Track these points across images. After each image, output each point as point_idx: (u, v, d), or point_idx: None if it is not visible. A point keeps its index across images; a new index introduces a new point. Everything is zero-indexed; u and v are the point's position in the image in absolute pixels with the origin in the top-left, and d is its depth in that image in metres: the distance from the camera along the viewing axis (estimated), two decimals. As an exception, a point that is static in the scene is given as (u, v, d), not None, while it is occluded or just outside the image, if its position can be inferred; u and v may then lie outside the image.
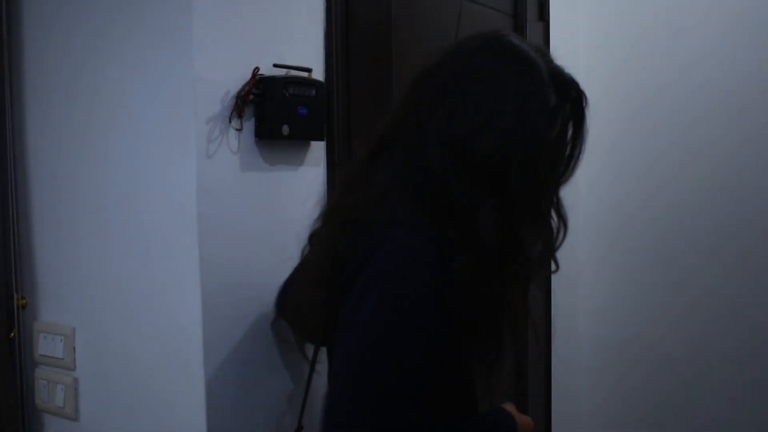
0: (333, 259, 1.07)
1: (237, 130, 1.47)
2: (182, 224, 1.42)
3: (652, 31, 2.59)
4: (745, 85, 2.41)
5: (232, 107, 1.45)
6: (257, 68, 1.47)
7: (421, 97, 1.10)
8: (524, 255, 1.06)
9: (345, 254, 1.04)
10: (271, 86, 1.48)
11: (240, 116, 1.46)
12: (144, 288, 1.51)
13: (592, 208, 2.73)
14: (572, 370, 2.73)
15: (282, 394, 1.57)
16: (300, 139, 1.57)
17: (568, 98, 1.10)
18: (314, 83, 1.58)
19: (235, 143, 1.47)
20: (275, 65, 1.51)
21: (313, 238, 1.24)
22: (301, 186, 1.61)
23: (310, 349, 1.42)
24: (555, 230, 1.11)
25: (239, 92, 1.45)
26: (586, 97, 1.13)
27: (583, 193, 2.75)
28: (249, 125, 1.50)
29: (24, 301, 1.72)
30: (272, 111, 1.49)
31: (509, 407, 1.18)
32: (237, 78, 1.45)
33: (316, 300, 1.11)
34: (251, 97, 1.46)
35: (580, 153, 1.11)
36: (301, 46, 1.60)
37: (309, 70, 1.58)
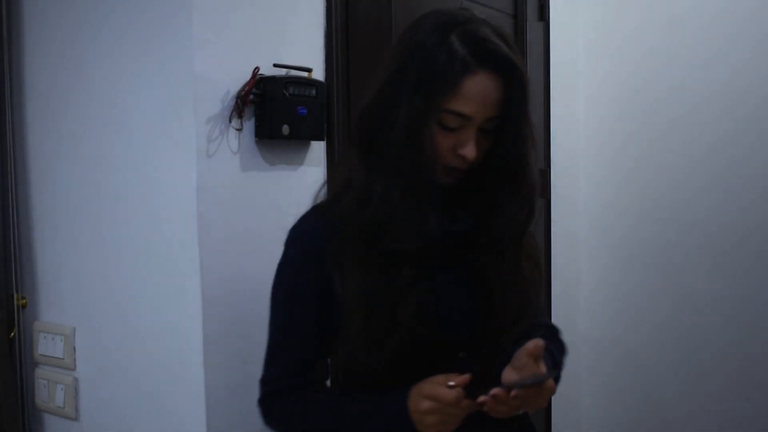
0: None
1: (237, 130, 1.47)
2: (182, 224, 1.42)
3: (651, 31, 2.59)
4: (746, 85, 2.41)
5: (232, 107, 1.45)
6: (257, 68, 1.47)
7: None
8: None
9: None
10: (271, 86, 1.48)
11: (240, 116, 1.46)
12: (144, 288, 1.51)
13: (592, 208, 2.73)
14: (572, 371, 2.73)
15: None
16: (300, 139, 1.57)
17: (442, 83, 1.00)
18: (314, 83, 1.58)
19: (235, 143, 1.47)
20: (275, 65, 1.51)
21: None
22: (301, 186, 1.61)
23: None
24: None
25: (239, 92, 1.45)
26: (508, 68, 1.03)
27: (582, 193, 2.75)
28: (249, 125, 1.50)
29: (24, 301, 1.72)
30: (272, 111, 1.49)
31: (420, 387, 1.01)
32: (237, 78, 1.45)
33: None
34: (251, 97, 1.46)
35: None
36: (301, 46, 1.60)
37: (309, 70, 1.58)
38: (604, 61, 2.70)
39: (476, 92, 1.01)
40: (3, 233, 1.68)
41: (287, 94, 1.50)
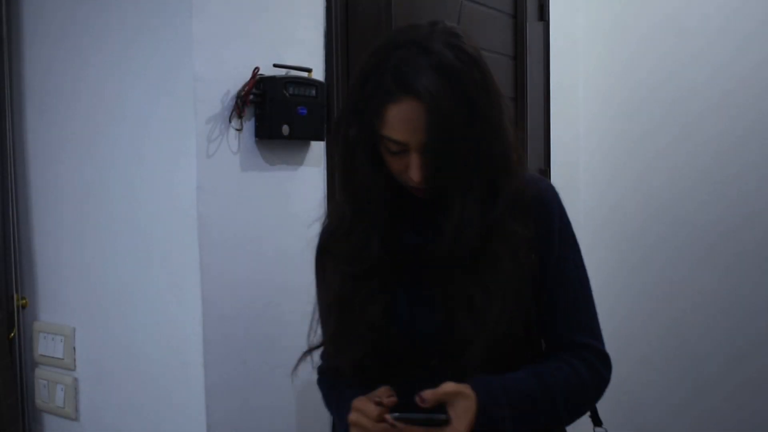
0: None
1: (237, 130, 1.47)
2: (182, 224, 1.42)
3: (651, 31, 2.59)
4: (745, 84, 2.41)
5: (232, 107, 1.45)
6: (257, 68, 1.47)
7: None
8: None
9: None
10: (271, 86, 1.48)
11: (240, 116, 1.46)
12: (144, 288, 1.51)
13: (592, 208, 2.73)
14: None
15: (281, 393, 1.57)
16: (300, 139, 1.57)
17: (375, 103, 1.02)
18: (314, 83, 1.58)
19: (235, 143, 1.47)
20: (275, 65, 1.51)
21: None
22: (301, 186, 1.61)
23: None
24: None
25: (239, 92, 1.45)
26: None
27: (582, 192, 2.75)
28: (249, 125, 1.50)
29: (24, 301, 1.72)
30: (272, 111, 1.49)
31: (358, 398, 1.05)
32: (237, 78, 1.45)
33: None
34: (251, 97, 1.46)
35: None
36: (301, 46, 1.60)
37: (309, 70, 1.58)
38: (604, 61, 2.70)
39: (400, 119, 1.00)
40: (3, 233, 1.68)
41: (287, 94, 1.50)
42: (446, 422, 0.98)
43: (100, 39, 1.55)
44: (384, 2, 1.79)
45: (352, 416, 1.04)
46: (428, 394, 0.99)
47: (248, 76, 1.46)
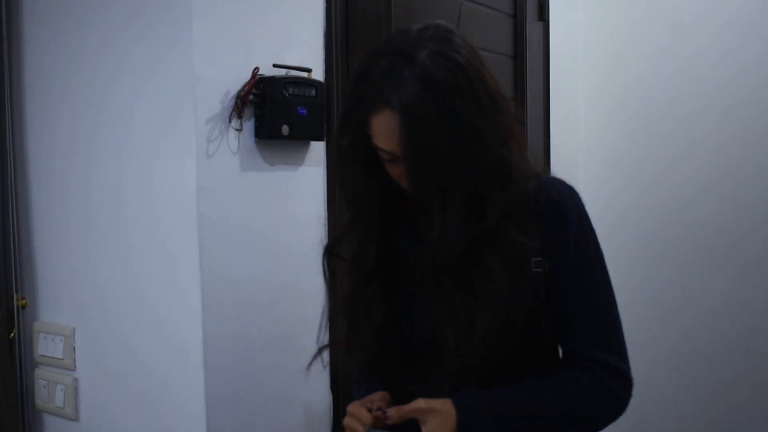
0: None
1: (237, 130, 1.47)
2: (182, 224, 1.42)
3: (651, 31, 2.59)
4: (744, 83, 2.41)
5: (232, 107, 1.45)
6: (257, 68, 1.47)
7: None
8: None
9: None
10: (271, 86, 1.48)
11: (240, 116, 1.46)
12: (144, 288, 1.51)
13: (592, 208, 2.71)
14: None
15: (281, 393, 1.57)
16: (300, 139, 1.57)
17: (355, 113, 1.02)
18: (314, 83, 1.58)
19: (235, 143, 1.47)
20: (275, 65, 1.51)
21: None
22: (301, 186, 1.61)
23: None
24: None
25: (239, 92, 1.45)
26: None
27: (582, 193, 2.74)
28: (249, 125, 1.50)
29: (24, 301, 1.72)
30: (272, 111, 1.49)
31: (355, 402, 1.09)
32: (237, 78, 1.45)
33: None
34: (251, 97, 1.46)
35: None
36: (301, 46, 1.60)
37: (309, 70, 1.58)
38: (604, 61, 2.70)
39: (382, 130, 1.00)
40: (3, 233, 1.68)
41: (287, 94, 1.50)
42: None
43: (100, 39, 1.55)
44: (384, 2, 1.79)
45: (346, 420, 1.05)
46: (393, 411, 1.00)
47: (248, 76, 1.46)
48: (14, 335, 1.68)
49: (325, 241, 1.20)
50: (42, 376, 1.71)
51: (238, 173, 1.48)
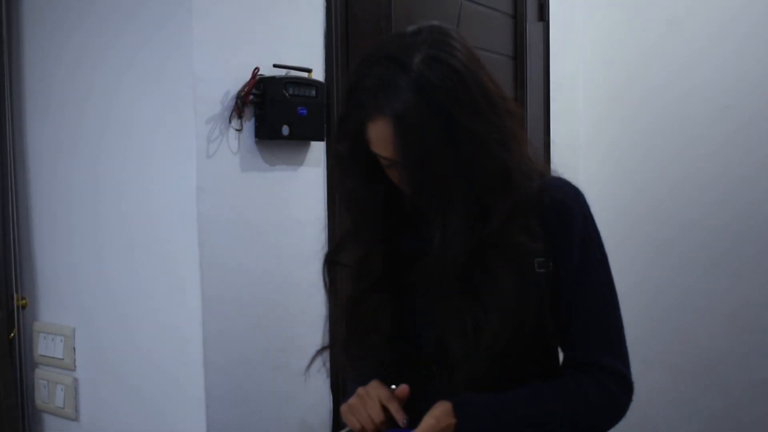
0: None
1: (237, 130, 1.47)
2: (182, 224, 1.42)
3: (651, 31, 2.59)
4: (744, 84, 2.41)
5: (232, 107, 1.45)
6: (257, 68, 1.47)
7: None
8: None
9: None
10: (271, 86, 1.48)
11: (240, 116, 1.46)
12: (144, 288, 1.51)
13: (592, 208, 2.72)
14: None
15: (282, 393, 1.57)
16: (300, 139, 1.57)
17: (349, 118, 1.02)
18: (314, 83, 1.58)
19: (235, 143, 1.47)
20: (275, 65, 1.51)
21: None
22: (301, 186, 1.61)
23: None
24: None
25: (239, 92, 1.45)
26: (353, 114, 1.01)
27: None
28: (249, 125, 1.50)
29: (24, 301, 1.72)
30: (272, 111, 1.49)
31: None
32: (237, 78, 1.45)
33: None
34: (251, 97, 1.46)
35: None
36: (301, 46, 1.60)
37: (309, 70, 1.58)
38: (604, 61, 2.70)
39: (377, 138, 0.99)
40: (3, 233, 1.68)
41: (287, 94, 1.50)
42: None
43: (101, 40, 1.55)
44: (384, 2, 1.79)
45: (353, 400, 1.06)
46: None
47: (248, 76, 1.46)
48: (14, 335, 1.68)
49: (325, 247, 1.18)
50: (42, 376, 1.71)
51: (238, 173, 1.48)
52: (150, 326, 1.51)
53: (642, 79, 2.62)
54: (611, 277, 1.11)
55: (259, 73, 1.47)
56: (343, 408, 1.08)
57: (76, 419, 1.66)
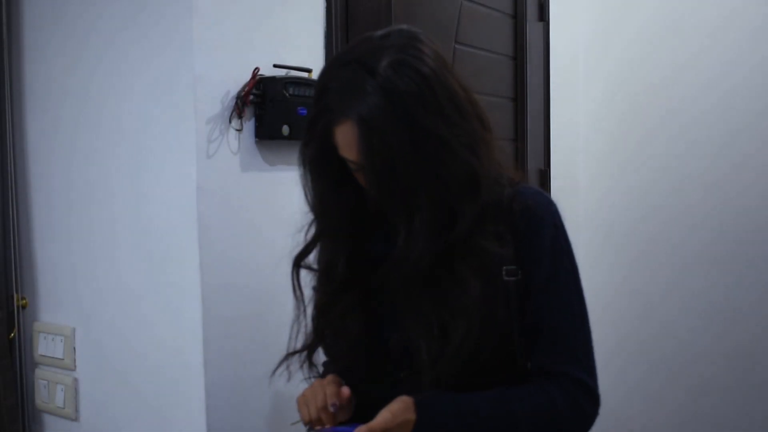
0: None
1: (237, 130, 1.47)
2: (182, 224, 1.42)
3: (651, 31, 2.59)
4: (744, 84, 2.41)
5: (232, 107, 1.45)
6: (257, 69, 1.47)
7: None
8: None
9: None
10: (271, 86, 1.48)
11: (240, 116, 1.46)
12: (144, 288, 1.51)
13: (591, 207, 2.73)
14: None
15: (282, 393, 1.57)
16: (300, 139, 1.56)
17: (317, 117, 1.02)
18: (314, 83, 1.58)
19: (235, 143, 1.47)
20: (275, 65, 1.51)
21: None
22: (301, 186, 1.61)
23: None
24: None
25: (239, 92, 1.45)
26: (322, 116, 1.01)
27: (581, 192, 2.75)
28: (249, 125, 1.50)
29: (24, 301, 1.72)
30: (272, 111, 1.49)
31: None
32: (237, 78, 1.45)
33: None
34: (251, 97, 1.46)
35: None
36: (301, 46, 1.60)
37: (309, 71, 1.58)
38: (604, 62, 2.70)
39: (344, 141, 1.00)
40: (3, 233, 1.68)
41: (287, 94, 1.50)
42: None
43: (100, 40, 1.55)
44: (384, 2, 1.79)
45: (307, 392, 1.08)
46: (363, 430, 0.98)
47: (248, 76, 1.46)
48: (14, 335, 1.68)
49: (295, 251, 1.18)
50: (42, 376, 1.71)
51: (238, 173, 1.48)
52: (150, 326, 1.51)
53: (642, 78, 2.62)
54: (581, 288, 1.11)
55: (259, 73, 1.47)
56: (298, 398, 1.10)
57: (76, 419, 1.66)
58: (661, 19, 2.57)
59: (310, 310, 1.16)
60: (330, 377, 1.08)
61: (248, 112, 1.49)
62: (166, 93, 1.43)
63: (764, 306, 2.41)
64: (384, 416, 1.00)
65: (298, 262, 1.15)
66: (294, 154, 1.59)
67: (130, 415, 1.56)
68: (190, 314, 1.42)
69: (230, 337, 1.46)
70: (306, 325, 1.16)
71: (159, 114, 1.45)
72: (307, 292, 1.16)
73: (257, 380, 1.52)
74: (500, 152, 1.09)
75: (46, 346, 1.69)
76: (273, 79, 1.49)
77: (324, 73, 1.04)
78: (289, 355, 1.17)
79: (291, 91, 1.51)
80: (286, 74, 1.54)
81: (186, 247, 1.41)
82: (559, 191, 2.57)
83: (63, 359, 1.66)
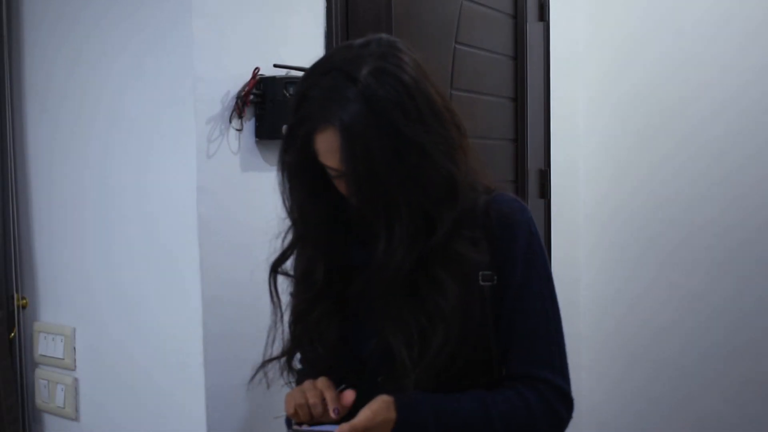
0: None
1: (237, 130, 1.47)
2: (182, 224, 1.42)
3: (651, 31, 2.59)
4: (744, 84, 2.41)
5: (232, 107, 1.45)
6: (257, 68, 1.47)
7: None
8: None
9: None
10: (271, 86, 1.49)
11: (240, 116, 1.46)
12: (144, 288, 1.51)
13: (592, 208, 2.73)
14: (571, 370, 2.71)
15: (281, 394, 1.57)
16: (300, 139, 1.57)
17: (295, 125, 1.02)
18: (314, 83, 1.58)
19: (235, 143, 1.47)
20: (275, 65, 1.51)
21: None
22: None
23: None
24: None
25: (239, 92, 1.45)
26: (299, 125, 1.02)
27: (582, 193, 2.75)
28: (249, 125, 1.50)
29: (24, 301, 1.72)
30: (272, 111, 1.49)
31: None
32: (237, 78, 1.45)
33: None
34: (251, 97, 1.46)
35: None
36: (301, 46, 1.60)
37: (309, 70, 1.58)
38: (604, 61, 2.70)
39: (325, 149, 1.00)
40: (3, 233, 1.68)
41: (287, 94, 1.50)
42: None
43: (101, 39, 1.55)
44: (384, 3, 1.79)
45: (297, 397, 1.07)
46: (346, 428, 0.99)
47: (248, 76, 1.46)
48: (14, 335, 1.68)
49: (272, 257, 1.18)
50: (42, 376, 1.71)
51: (238, 173, 1.48)
52: (150, 326, 1.51)
53: (642, 78, 2.62)
54: (554, 294, 1.12)
55: (260, 73, 1.48)
56: (286, 395, 1.10)
57: (76, 419, 1.66)
58: (662, 18, 2.57)
59: (287, 317, 1.16)
60: (322, 380, 1.07)
61: (248, 112, 1.49)
62: (166, 93, 1.43)
63: (767, 306, 2.41)
64: (365, 415, 1.01)
65: (275, 268, 1.16)
66: (294, 154, 1.60)
67: (130, 414, 1.56)
68: (190, 314, 1.42)
69: (230, 337, 1.46)
70: (283, 332, 1.16)
71: (159, 114, 1.45)
72: (285, 298, 1.16)
73: (257, 380, 1.52)
74: (476, 160, 1.11)
75: (46, 346, 1.69)
76: (273, 79, 1.49)
77: (304, 80, 1.04)
78: (266, 362, 1.17)
79: (291, 91, 1.51)
80: (287, 74, 1.54)
81: (186, 247, 1.41)
82: (559, 191, 2.57)
83: (63, 359, 1.66)
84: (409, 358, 1.01)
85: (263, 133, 1.50)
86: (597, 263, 2.73)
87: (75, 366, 1.66)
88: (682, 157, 2.54)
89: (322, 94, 0.99)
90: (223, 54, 1.44)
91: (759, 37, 2.39)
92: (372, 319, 1.06)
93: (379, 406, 1.02)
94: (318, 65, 1.04)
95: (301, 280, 1.13)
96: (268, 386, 1.20)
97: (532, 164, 2.48)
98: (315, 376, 1.09)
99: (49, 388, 1.69)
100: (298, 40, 1.60)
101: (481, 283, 1.07)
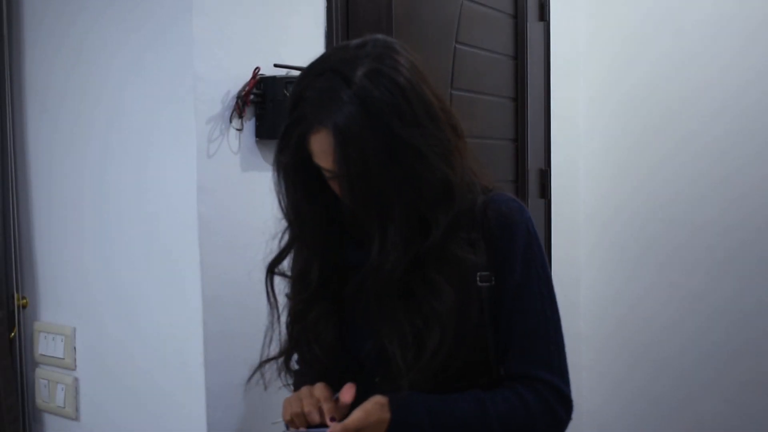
0: None
1: (237, 130, 1.47)
2: (182, 224, 1.42)
3: (652, 31, 2.59)
4: (744, 84, 2.41)
5: (232, 107, 1.45)
6: (258, 68, 1.47)
7: None
8: None
9: None
10: (271, 86, 1.48)
11: (240, 116, 1.46)
12: (144, 288, 1.51)
13: (592, 208, 2.73)
14: (571, 370, 2.71)
15: (281, 394, 1.57)
16: (300, 139, 1.57)
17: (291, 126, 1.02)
18: (314, 83, 1.58)
19: (235, 143, 1.47)
20: (276, 65, 1.51)
21: None
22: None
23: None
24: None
25: (240, 92, 1.45)
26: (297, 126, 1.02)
27: (582, 193, 2.75)
28: (249, 125, 1.50)
29: (24, 301, 1.72)
30: (273, 111, 1.49)
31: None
32: (237, 78, 1.45)
33: None
34: (252, 97, 1.46)
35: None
36: (301, 46, 1.60)
37: (309, 70, 1.58)
38: (605, 61, 2.70)
39: (319, 150, 1.00)
40: (3, 233, 1.68)
41: (288, 94, 1.50)
42: None
43: (100, 39, 1.55)
44: (384, 2, 1.79)
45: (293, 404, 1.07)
46: (338, 428, 0.99)
47: (249, 76, 1.46)
48: (15, 335, 1.68)
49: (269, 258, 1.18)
50: (42, 375, 1.71)
51: (238, 173, 1.48)
52: (150, 326, 1.51)
53: (643, 78, 2.62)
54: (553, 294, 1.12)
55: (260, 72, 1.47)
56: (284, 401, 1.10)
57: (76, 419, 1.66)
58: (663, 17, 2.57)
59: (284, 318, 1.17)
60: (320, 388, 1.07)
61: (249, 111, 1.49)
62: (167, 92, 1.43)
63: (767, 306, 2.41)
64: (358, 415, 1.01)
65: (271, 269, 1.16)
66: (294, 153, 1.60)
67: (130, 414, 1.56)
68: (190, 314, 1.42)
69: (230, 337, 1.46)
70: (280, 332, 1.16)
71: (159, 113, 1.45)
72: (281, 299, 1.16)
73: (257, 380, 1.52)
74: (473, 160, 1.11)
75: (46, 346, 1.69)
76: (273, 78, 1.49)
77: (299, 81, 1.04)
78: (264, 363, 1.18)
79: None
80: (287, 74, 1.54)
81: (186, 246, 1.41)
82: (559, 191, 2.57)
83: (63, 359, 1.66)
84: (404, 360, 1.01)
85: (263, 133, 1.50)
86: (597, 263, 2.73)
87: (75, 366, 1.66)
88: (682, 157, 2.54)
89: (316, 95, 0.99)
90: (223, 53, 1.44)
91: (759, 38, 2.39)
92: (368, 320, 1.06)
93: (373, 407, 1.02)
94: (314, 66, 1.04)
95: (297, 281, 1.13)
96: (266, 387, 1.19)
97: (532, 164, 2.48)
98: (312, 377, 1.10)
99: (49, 388, 1.69)
100: (299, 40, 1.60)
101: (479, 284, 1.06)
